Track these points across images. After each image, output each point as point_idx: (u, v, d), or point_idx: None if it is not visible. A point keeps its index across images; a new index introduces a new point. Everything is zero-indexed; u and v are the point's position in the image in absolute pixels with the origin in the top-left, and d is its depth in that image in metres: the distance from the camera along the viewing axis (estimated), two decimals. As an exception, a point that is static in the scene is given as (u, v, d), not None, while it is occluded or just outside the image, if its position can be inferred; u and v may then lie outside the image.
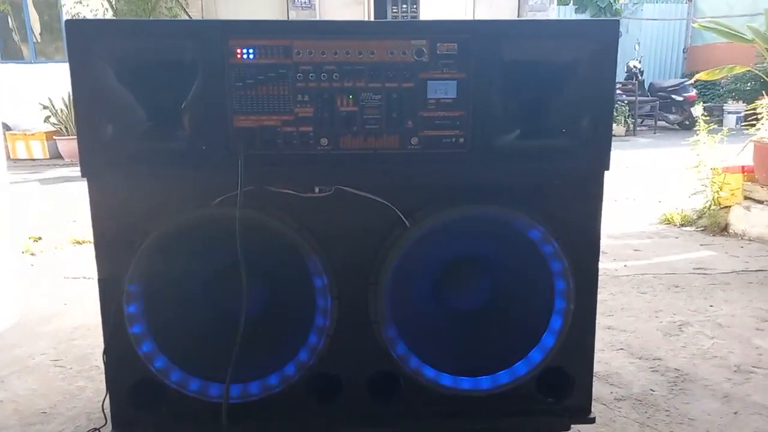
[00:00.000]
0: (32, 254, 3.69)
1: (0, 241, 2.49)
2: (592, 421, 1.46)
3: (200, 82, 1.25)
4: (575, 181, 1.35)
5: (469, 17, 10.35)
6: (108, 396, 1.40)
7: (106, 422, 1.47)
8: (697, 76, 4.53)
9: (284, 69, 1.26)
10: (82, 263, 3.40)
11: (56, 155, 9.08)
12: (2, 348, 2.24)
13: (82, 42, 1.23)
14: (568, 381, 1.43)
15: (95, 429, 1.57)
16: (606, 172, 1.35)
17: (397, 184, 1.33)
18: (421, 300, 1.40)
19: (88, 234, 4.15)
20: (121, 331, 1.33)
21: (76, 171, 7.63)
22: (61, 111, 9.10)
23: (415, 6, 9.93)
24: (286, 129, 1.29)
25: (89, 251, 3.65)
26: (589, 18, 11.75)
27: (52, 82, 9.01)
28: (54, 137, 9.08)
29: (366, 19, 10.06)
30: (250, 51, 1.25)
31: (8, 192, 2.63)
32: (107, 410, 1.41)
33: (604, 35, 1.28)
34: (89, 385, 1.95)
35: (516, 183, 1.34)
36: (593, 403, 1.50)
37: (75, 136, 7.95)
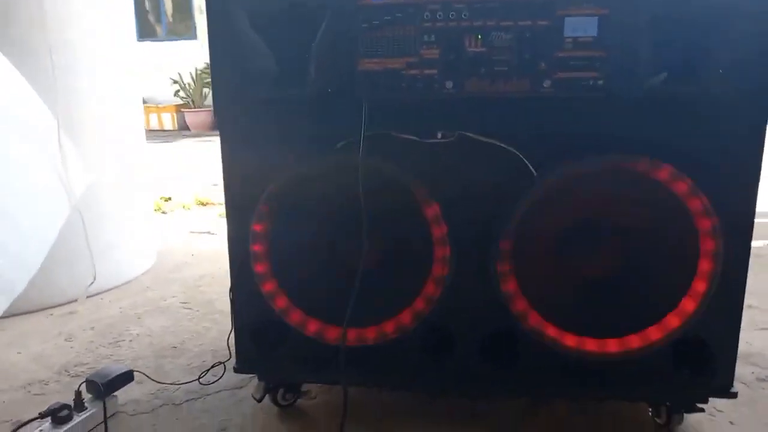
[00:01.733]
0: (163, 212, 4.00)
1: (140, 197, 2.71)
2: (734, 396, 1.31)
3: (328, 25, 1.25)
4: (731, 133, 1.19)
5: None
6: (233, 333, 1.47)
7: (230, 357, 1.55)
8: None
9: (412, 8, 1.22)
10: (206, 221, 3.63)
11: (184, 126, 9.77)
12: (139, 290, 2.45)
13: (219, -12, 1.26)
14: (709, 352, 1.30)
15: (220, 362, 1.67)
16: None
17: (526, 131, 1.25)
18: (547, 256, 1.32)
19: (212, 196, 4.44)
20: (247, 272, 1.39)
21: (201, 141, 8.20)
22: (189, 85, 9.76)
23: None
24: (411, 72, 1.25)
25: (212, 211, 3.92)
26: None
27: (181, 58, 9.68)
28: (182, 110, 9.78)
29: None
30: (377, -10, 1.22)
31: (146, 155, 2.86)
32: (232, 347, 1.48)
33: (777, -41, 1.11)
34: (213, 326, 2.08)
35: (662, 134, 1.21)
36: (734, 382, 1.36)
37: (200, 109, 8.54)
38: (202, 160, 6.24)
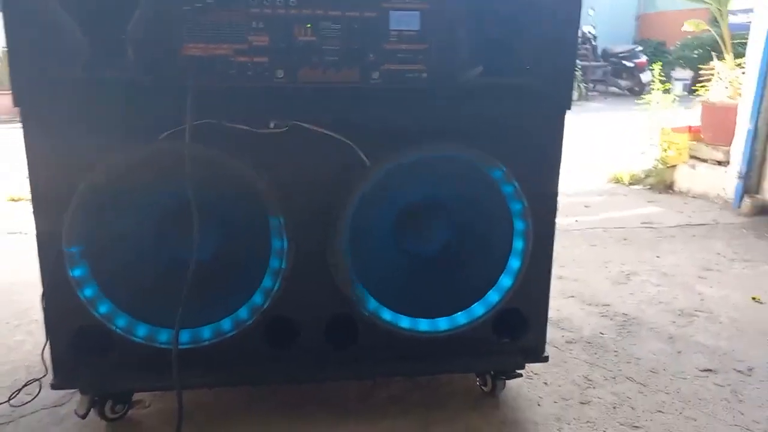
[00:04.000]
0: (-36, 210, 3.47)
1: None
2: (546, 359, 1.48)
3: (147, 6, 1.15)
4: (537, 121, 1.33)
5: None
6: (48, 344, 1.32)
7: (47, 372, 1.40)
8: (684, 28, 4.39)
9: (237, -8, 1.17)
10: (18, 220, 3.22)
11: (-12, 110, 8.51)
12: (-69, 303, 2.10)
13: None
14: (524, 322, 1.44)
15: (34, 379, 1.50)
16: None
17: (356, 121, 1.27)
18: (380, 242, 1.37)
19: (24, 192, 3.93)
20: (61, 275, 1.25)
21: (10, 128, 7.19)
22: (-5, 62, 8.51)
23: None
24: (240, 59, 1.21)
25: (26, 208, 3.47)
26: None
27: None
28: (-15, 91, 8.50)
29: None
30: (200, -28, 1.16)
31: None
32: (48, 360, 1.33)
33: (570, -31, 1.25)
34: (28, 338, 1.86)
35: (478, 121, 1.31)
36: (546, 346, 1.52)
37: (8, 91, 7.51)
38: (14, 150, 5.49)
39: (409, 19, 1.24)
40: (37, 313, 1.98)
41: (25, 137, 1.22)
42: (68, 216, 1.21)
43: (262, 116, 1.26)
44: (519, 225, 1.35)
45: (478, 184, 1.33)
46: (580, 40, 11.37)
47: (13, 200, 3.82)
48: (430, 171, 1.32)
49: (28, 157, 1.23)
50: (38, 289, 1.96)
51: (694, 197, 3.74)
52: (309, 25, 1.21)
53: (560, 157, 1.38)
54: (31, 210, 1.24)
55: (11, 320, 1.98)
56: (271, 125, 1.27)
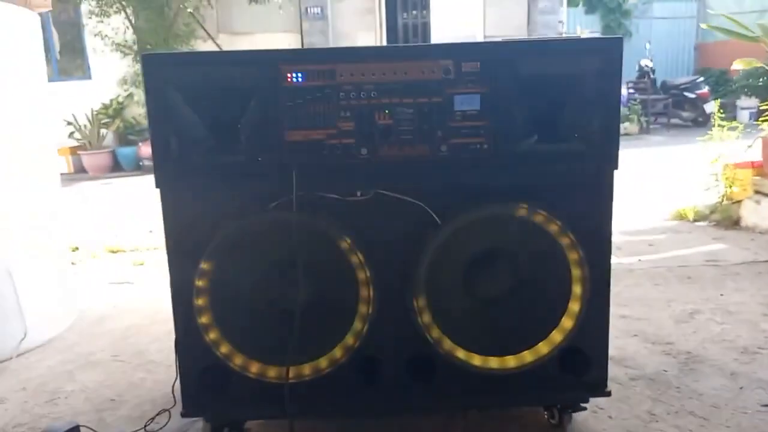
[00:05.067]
0: (72, 263, 3.91)
1: (55, 248, 2.70)
2: (608, 394, 1.61)
3: (257, 103, 1.45)
4: (588, 180, 1.51)
5: (480, 21, 10.53)
6: (179, 380, 1.59)
7: (174, 403, 1.67)
8: (734, 65, 4.39)
9: (329, 90, 1.45)
10: (120, 270, 3.62)
11: (80, 169, 9.39)
12: (65, 347, 2.45)
13: (156, 71, 1.43)
14: (586, 359, 1.59)
15: (164, 410, 1.77)
16: (616, 172, 1.52)
17: (429, 188, 1.51)
18: (452, 289, 1.57)
19: (123, 243, 4.37)
20: (190, 322, 1.52)
21: (102, 184, 7.93)
22: (85, 126, 9.43)
23: (425, 11, 10.12)
24: (331, 141, 1.47)
25: (125, 259, 3.89)
26: (596, 36, 11.86)
27: (73, 98, 9.34)
28: (78, 152, 9.40)
29: (377, 25, 10.28)
30: (299, 75, 1.44)
31: (60, 202, 2.85)
32: (176, 394, 1.59)
33: (608, 50, 1.45)
34: (148, 376, 2.15)
35: (535, 183, 1.51)
36: (610, 382, 1.66)
37: (98, 151, 8.25)
38: (106, 204, 6.09)
39: (471, 100, 1.47)
40: (153, 354, 2.30)
41: (163, 210, 1.52)
42: (196, 275, 1.49)
43: (350, 187, 1.51)
44: (576, 272, 1.52)
45: (537, 237, 1.52)
46: (638, 73, 11.39)
47: (112, 251, 4.25)
48: (493, 227, 1.52)
49: (165, 226, 1.52)
50: (150, 333, 2.27)
51: (761, 233, 3.72)
52: (387, 111, 1.47)
53: (611, 210, 1.55)
54: (168, 271, 1.53)
55: (133, 360, 2.29)
56: (358, 194, 1.52)
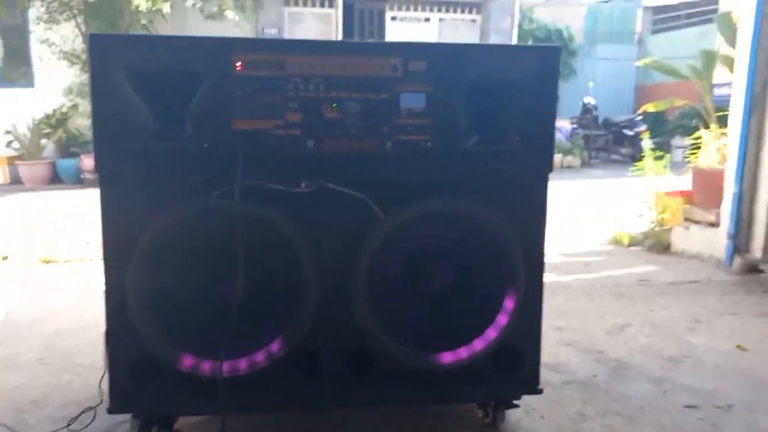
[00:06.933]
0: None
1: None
2: (540, 392, 1.66)
3: (206, 90, 1.45)
4: (524, 179, 1.58)
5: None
6: (107, 374, 1.53)
7: (100, 402, 1.60)
8: (643, 108, 4.95)
9: (279, 80, 1.47)
10: (53, 278, 3.47)
11: (17, 180, 8.95)
12: (-13, 348, 2.31)
13: (103, 53, 1.41)
14: (520, 356, 1.64)
15: (90, 407, 1.69)
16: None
17: (373, 182, 1.53)
18: (392, 284, 1.59)
19: (58, 254, 4.17)
20: (122, 312, 1.48)
21: (38, 195, 7.59)
22: (24, 136, 9.04)
23: (381, 39, 10.35)
24: (278, 132, 1.49)
25: (59, 269, 3.73)
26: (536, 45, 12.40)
27: (15, 107, 8.96)
28: (15, 162, 8.98)
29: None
30: (249, 64, 1.46)
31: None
32: (103, 391, 1.53)
33: (547, 58, 1.54)
34: (76, 378, 2.06)
35: (475, 181, 1.56)
36: (544, 386, 1.69)
37: (37, 161, 7.90)
38: (42, 216, 5.82)
39: (417, 98, 1.52)
40: (83, 358, 2.21)
41: (101, 194, 1.48)
42: (132, 262, 1.46)
43: (295, 178, 1.52)
44: (512, 269, 1.57)
45: (476, 234, 1.57)
46: (581, 110, 11.93)
47: (45, 262, 4.06)
48: (434, 224, 1.56)
49: (102, 210, 1.49)
50: (82, 336, 2.18)
51: (689, 257, 3.93)
52: (335, 105, 1.50)
53: (546, 210, 1.62)
54: (102, 256, 1.49)
55: (59, 363, 2.18)
56: (303, 185, 1.53)
